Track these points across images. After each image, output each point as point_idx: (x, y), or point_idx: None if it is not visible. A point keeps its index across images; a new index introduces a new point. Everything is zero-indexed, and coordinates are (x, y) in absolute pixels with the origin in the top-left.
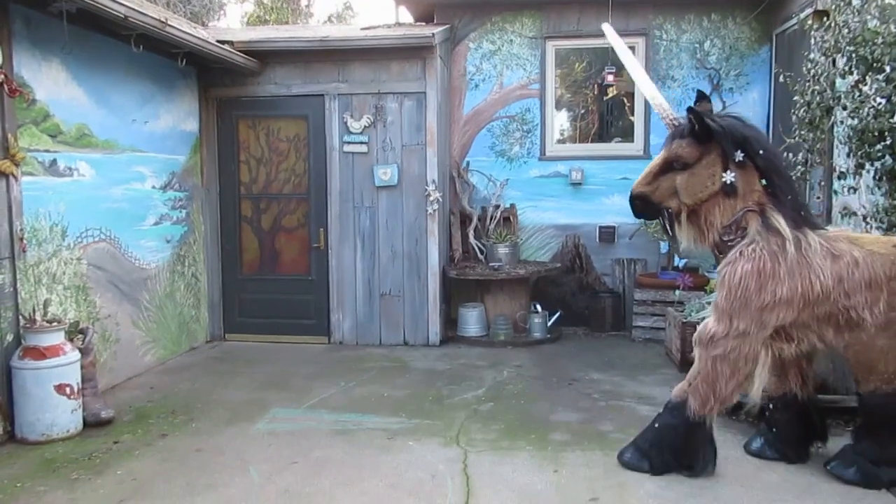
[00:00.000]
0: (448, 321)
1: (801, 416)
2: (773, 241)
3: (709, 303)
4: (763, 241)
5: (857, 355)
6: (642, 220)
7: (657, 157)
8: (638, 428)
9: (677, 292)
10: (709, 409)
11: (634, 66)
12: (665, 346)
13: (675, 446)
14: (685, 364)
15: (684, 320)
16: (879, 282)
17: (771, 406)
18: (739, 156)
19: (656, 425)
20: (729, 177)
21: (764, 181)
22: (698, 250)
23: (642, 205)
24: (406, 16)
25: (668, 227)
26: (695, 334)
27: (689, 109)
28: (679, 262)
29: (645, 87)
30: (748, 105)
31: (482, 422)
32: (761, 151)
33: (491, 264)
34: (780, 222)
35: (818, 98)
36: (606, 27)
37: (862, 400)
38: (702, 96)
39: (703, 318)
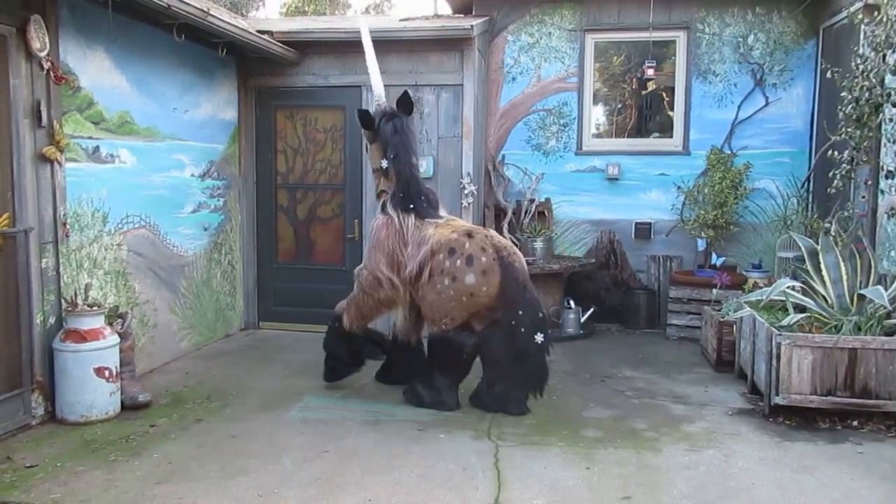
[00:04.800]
0: None
1: (402, 354)
2: (390, 214)
3: (747, 302)
4: (385, 212)
5: (422, 305)
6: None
7: None
8: (672, 426)
9: (715, 291)
10: (355, 324)
11: (370, 51)
12: (700, 345)
13: (336, 349)
14: (721, 363)
15: (721, 319)
16: (429, 254)
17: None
18: (392, 153)
19: (328, 329)
20: (385, 164)
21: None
22: None
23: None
24: (444, 7)
25: None
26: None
27: (358, 111)
28: (716, 259)
29: (372, 69)
30: (792, 101)
31: (514, 416)
32: (392, 156)
33: (525, 258)
34: (388, 207)
35: (867, 94)
36: (362, 22)
37: (428, 340)
38: (405, 96)
39: (740, 317)
